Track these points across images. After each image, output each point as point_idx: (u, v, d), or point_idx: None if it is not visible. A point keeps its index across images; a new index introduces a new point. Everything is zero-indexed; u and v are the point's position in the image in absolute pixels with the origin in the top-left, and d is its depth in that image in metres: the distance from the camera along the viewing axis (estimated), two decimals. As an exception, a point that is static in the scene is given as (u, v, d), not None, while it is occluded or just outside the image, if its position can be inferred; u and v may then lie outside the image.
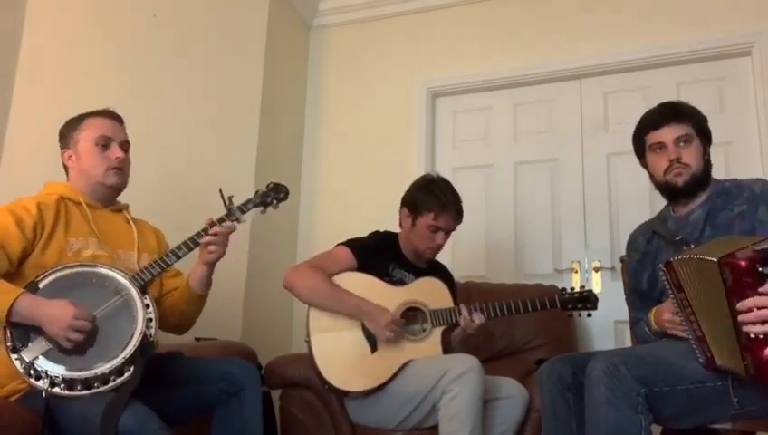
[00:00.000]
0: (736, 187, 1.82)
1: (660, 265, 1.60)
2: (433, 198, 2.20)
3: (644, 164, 1.96)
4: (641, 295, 1.95)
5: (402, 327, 2.11)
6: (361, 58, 3.68)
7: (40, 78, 2.64)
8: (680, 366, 1.56)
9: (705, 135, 1.89)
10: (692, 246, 1.70)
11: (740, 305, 1.40)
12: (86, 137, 1.88)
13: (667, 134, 1.85)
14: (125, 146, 1.93)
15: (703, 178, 1.84)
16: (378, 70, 3.62)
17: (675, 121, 1.86)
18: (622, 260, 2.19)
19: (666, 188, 1.88)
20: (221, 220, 1.90)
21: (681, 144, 1.84)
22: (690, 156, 1.83)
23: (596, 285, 2.98)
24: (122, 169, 1.91)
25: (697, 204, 1.85)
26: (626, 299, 2.09)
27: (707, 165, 1.87)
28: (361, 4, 3.67)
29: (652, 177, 1.92)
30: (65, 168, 1.93)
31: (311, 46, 3.82)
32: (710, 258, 1.44)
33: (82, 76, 2.69)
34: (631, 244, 2.03)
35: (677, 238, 1.80)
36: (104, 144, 1.88)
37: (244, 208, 1.95)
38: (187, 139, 2.93)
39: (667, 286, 1.59)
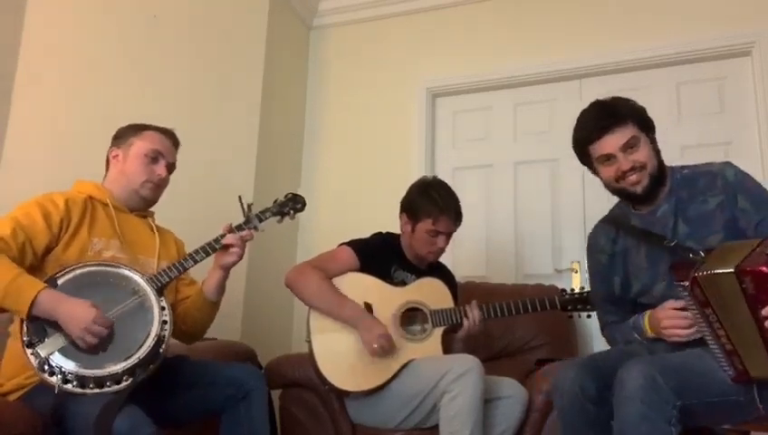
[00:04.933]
0: (702, 175, 1.73)
1: (683, 283, 1.49)
2: (431, 203, 2.18)
3: (593, 171, 1.83)
4: (614, 299, 1.85)
5: (396, 336, 2.10)
6: (361, 58, 3.68)
7: (40, 78, 2.65)
8: (710, 377, 1.50)
9: (648, 127, 1.75)
10: (701, 254, 1.58)
11: (765, 312, 1.38)
12: (141, 145, 1.93)
13: (612, 143, 1.70)
14: (171, 168, 1.99)
15: (660, 175, 1.73)
16: (378, 70, 3.62)
17: (615, 127, 1.70)
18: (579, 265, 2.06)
19: (623, 195, 1.78)
20: (239, 227, 1.93)
21: (629, 150, 1.69)
22: (642, 157, 1.69)
23: (596, 284, 2.97)
24: (160, 186, 1.96)
25: (661, 199, 1.75)
26: (595, 303, 1.97)
27: (660, 157, 1.75)
28: (361, 4, 3.67)
29: (607, 185, 1.78)
30: (107, 164, 1.96)
31: (311, 46, 3.82)
32: (726, 270, 1.41)
33: (82, 76, 2.69)
34: (594, 246, 1.89)
35: (668, 241, 1.70)
36: (154, 157, 1.93)
37: (262, 217, 1.99)
38: (186, 139, 2.90)
39: (690, 302, 1.51)
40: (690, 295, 1.50)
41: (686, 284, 1.49)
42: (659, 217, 1.75)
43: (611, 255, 1.84)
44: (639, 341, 1.75)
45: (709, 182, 1.71)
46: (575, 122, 1.82)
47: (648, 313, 1.72)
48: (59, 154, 2.48)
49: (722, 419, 1.55)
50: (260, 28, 3.31)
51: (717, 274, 1.44)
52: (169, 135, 2.00)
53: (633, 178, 1.70)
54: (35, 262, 1.70)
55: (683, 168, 1.78)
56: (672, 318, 1.62)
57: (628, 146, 1.70)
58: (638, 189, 1.71)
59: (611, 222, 1.88)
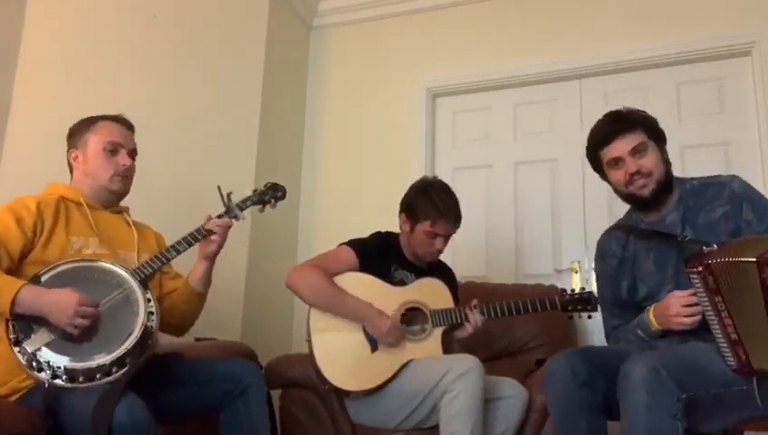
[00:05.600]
0: (710, 186, 1.79)
1: (696, 268, 1.53)
2: (430, 205, 2.18)
3: (604, 177, 1.91)
4: (620, 303, 1.90)
5: (402, 331, 2.11)
6: (361, 58, 3.67)
7: (40, 78, 2.64)
8: (713, 368, 1.54)
9: (658, 137, 1.83)
10: (714, 246, 1.60)
11: None
12: (96, 140, 1.89)
13: (621, 147, 1.79)
14: (132, 154, 1.95)
15: (667, 182, 1.80)
16: (378, 70, 3.62)
17: (625, 132, 1.79)
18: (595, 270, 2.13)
19: (632, 200, 1.85)
20: (219, 217, 1.93)
21: (637, 154, 1.78)
22: (650, 163, 1.78)
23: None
24: (128, 176, 1.93)
25: (670, 207, 1.82)
26: (601, 308, 2.01)
27: (668, 167, 1.83)
28: (361, 4, 3.67)
29: (616, 190, 1.88)
30: (70, 167, 1.94)
31: (311, 46, 3.82)
32: (749, 259, 1.43)
33: (82, 76, 2.69)
34: (605, 251, 1.95)
35: (682, 237, 1.74)
36: (112, 150, 1.89)
37: (242, 206, 1.99)
38: (186, 138, 2.93)
39: (701, 290, 1.54)
40: (701, 283, 1.53)
41: (699, 269, 1.52)
42: (668, 223, 1.80)
43: (621, 259, 1.89)
44: (642, 338, 1.78)
45: (716, 192, 1.77)
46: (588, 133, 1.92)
47: (652, 305, 1.76)
48: (59, 154, 2.48)
49: (724, 412, 1.56)
50: (260, 28, 3.30)
51: (738, 262, 1.46)
52: (122, 121, 1.95)
53: (640, 182, 1.78)
54: (13, 266, 1.68)
55: (692, 179, 1.86)
56: (679, 306, 1.66)
57: (636, 151, 1.78)
58: (645, 192, 1.78)
59: (622, 228, 1.93)
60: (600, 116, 3.13)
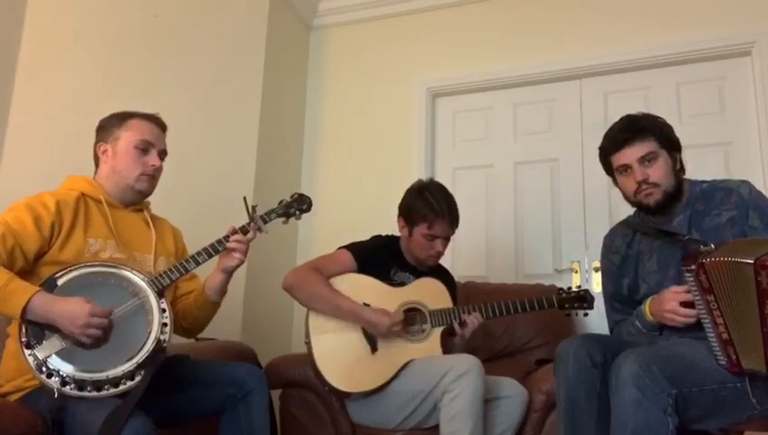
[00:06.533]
0: (719, 190, 1.80)
1: (690, 266, 1.55)
2: (426, 207, 2.17)
3: (615, 182, 1.92)
4: (621, 300, 1.92)
5: (402, 326, 2.11)
6: (361, 58, 3.68)
7: (40, 78, 2.64)
8: (705, 366, 1.54)
9: (671, 145, 1.83)
10: (711, 246, 1.62)
11: None
12: (128, 137, 1.86)
13: (630, 155, 1.79)
14: (162, 155, 1.93)
15: (676, 192, 1.80)
16: (378, 70, 3.62)
17: (636, 140, 1.79)
18: (596, 269, 2.16)
19: (639, 207, 1.87)
20: (243, 229, 1.89)
21: (646, 163, 1.78)
22: (658, 174, 1.78)
23: (596, 285, 2.98)
24: (155, 177, 1.91)
25: (678, 211, 1.83)
26: (604, 303, 2.03)
27: (679, 175, 1.83)
28: (361, 4, 3.67)
29: (624, 196, 1.89)
30: (96, 160, 1.90)
31: (311, 46, 3.82)
32: (746, 260, 1.43)
33: (82, 76, 2.69)
34: (609, 247, 1.97)
35: (686, 237, 1.75)
36: (144, 148, 1.87)
37: (266, 218, 1.95)
38: (186, 139, 2.91)
39: (694, 288, 1.56)
40: (695, 281, 1.54)
41: (693, 268, 1.53)
42: (675, 226, 1.81)
43: (624, 257, 1.91)
44: (640, 329, 1.79)
45: (724, 197, 1.77)
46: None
47: (649, 298, 1.77)
48: (59, 154, 2.48)
49: (720, 411, 1.57)
50: (260, 28, 3.31)
51: (734, 262, 1.47)
52: (156, 121, 1.92)
53: (646, 191, 1.79)
54: (27, 266, 1.66)
55: (702, 182, 1.86)
56: (674, 302, 1.66)
57: (645, 160, 1.78)
58: (651, 202, 1.79)
59: (629, 225, 1.94)
60: (599, 115, 3.19)
